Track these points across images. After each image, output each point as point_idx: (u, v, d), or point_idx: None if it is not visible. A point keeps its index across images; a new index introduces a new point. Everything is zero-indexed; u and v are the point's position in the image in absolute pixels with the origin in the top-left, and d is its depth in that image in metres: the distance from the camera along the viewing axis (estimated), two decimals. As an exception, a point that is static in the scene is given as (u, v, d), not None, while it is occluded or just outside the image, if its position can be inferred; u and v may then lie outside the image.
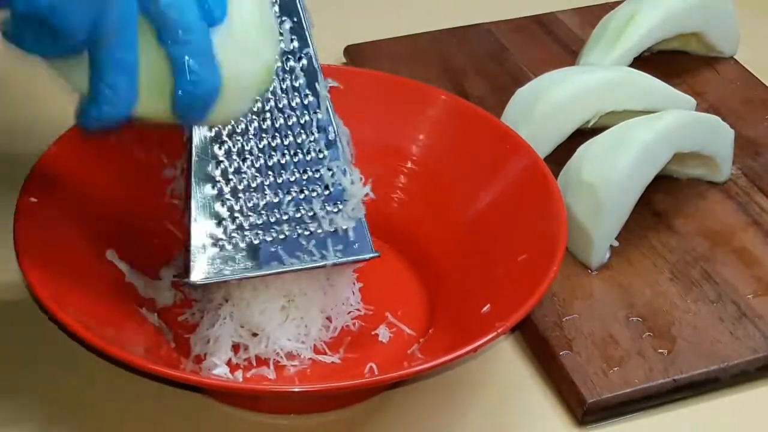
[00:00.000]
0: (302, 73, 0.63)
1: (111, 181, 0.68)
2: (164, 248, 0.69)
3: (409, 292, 0.69)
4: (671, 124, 0.74)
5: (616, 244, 0.73)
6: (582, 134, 0.77)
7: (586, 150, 0.73)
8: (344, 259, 0.63)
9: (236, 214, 0.61)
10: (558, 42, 0.95)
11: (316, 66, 0.63)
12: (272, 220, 0.62)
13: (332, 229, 0.63)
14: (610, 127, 0.75)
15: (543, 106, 0.77)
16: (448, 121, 0.74)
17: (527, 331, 0.68)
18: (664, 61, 0.91)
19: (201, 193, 0.61)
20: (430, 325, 0.67)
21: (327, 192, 0.63)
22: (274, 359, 0.64)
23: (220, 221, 0.61)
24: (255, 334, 0.64)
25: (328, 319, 0.66)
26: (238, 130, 0.61)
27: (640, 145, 0.72)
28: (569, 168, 0.73)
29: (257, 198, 0.62)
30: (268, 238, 0.62)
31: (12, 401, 0.63)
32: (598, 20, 0.89)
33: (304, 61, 0.63)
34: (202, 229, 0.60)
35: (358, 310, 0.67)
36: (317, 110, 0.63)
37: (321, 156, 0.63)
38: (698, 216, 0.77)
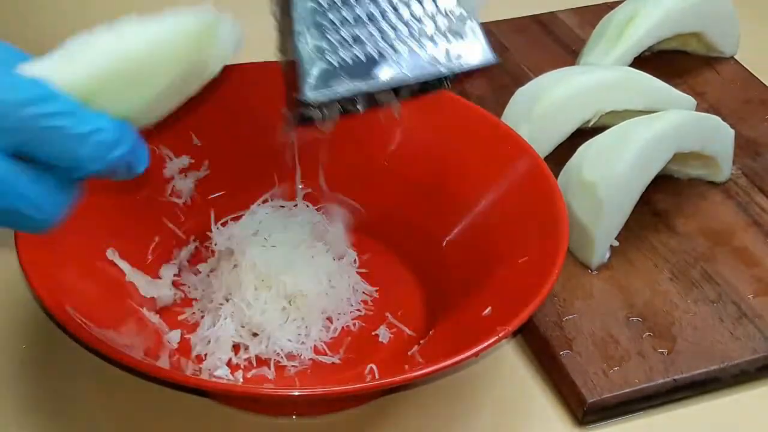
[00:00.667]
0: None
1: (111, 180, 0.68)
2: (165, 247, 0.69)
3: (409, 293, 0.69)
4: (671, 124, 0.74)
5: (616, 243, 0.73)
6: (582, 134, 0.77)
7: (586, 150, 0.73)
8: (465, 65, 0.58)
9: (342, 24, 0.56)
10: (558, 42, 0.95)
11: None
12: (380, 28, 0.57)
13: (450, 37, 0.58)
14: (610, 127, 0.75)
15: (543, 106, 0.77)
16: (448, 120, 0.74)
17: (528, 331, 0.68)
18: (664, 61, 0.91)
19: (301, 5, 0.55)
20: (430, 326, 0.67)
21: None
22: (275, 359, 0.64)
23: (324, 32, 0.55)
24: (255, 334, 0.64)
25: (329, 319, 0.66)
26: None
27: (640, 145, 0.72)
28: (569, 168, 0.73)
29: (366, 5, 0.57)
30: (379, 50, 0.56)
31: (12, 401, 0.63)
32: (598, 20, 0.89)
33: None
34: (307, 42, 0.55)
35: (358, 310, 0.67)
36: None
37: None
38: (698, 216, 0.77)
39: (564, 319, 0.68)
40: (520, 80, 0.85)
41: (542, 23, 0.97)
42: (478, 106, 0.76)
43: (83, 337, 0.56)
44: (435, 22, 0.58)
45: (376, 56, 0.56)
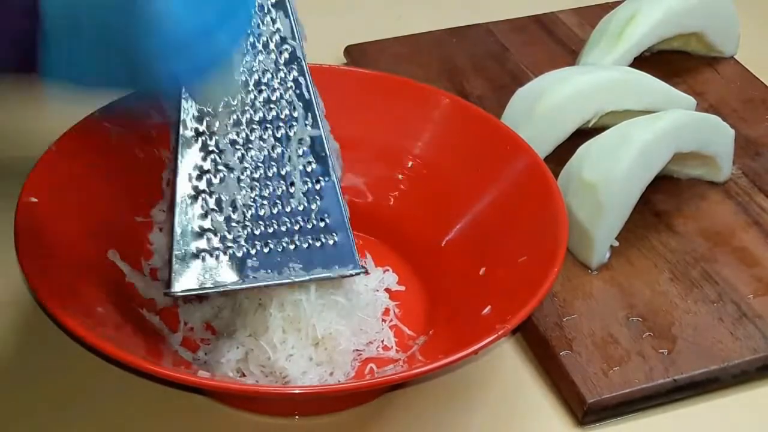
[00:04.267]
0: (292, 84, 0.62)
1: (111, 181, 0.68)
2: (164, 248, 0.69)
3: (409, 293, 0.69)
4: (671, 124, 0.74)
5: (616, 244, 0.73)
6: (582, 134, 0.77)
7: (586, 150, 0.73)
8: (328, 274, 0.62)
9: (221, 226, 0.60)
10: (558, 42, 0.95)
11: (307, 77, 0.62)
12: (257, 233, 0.61)
13: (318, 244, 0.62)
14: (610, 127, 0.75)
15: (543, 106, 0.77)
16: (449, 121, 0.74)
17: (527, 331, 0.68)
18: (664, 61, 0.91)
19: (185, 204, 0.60)
20: (430, 326, 0.67)
21: (313, 206, 0.62)
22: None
23: (203, 233, 0.60)
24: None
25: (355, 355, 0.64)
26: (224, 142, 0.60)
27: (640, 145, 0.72)
28: (569, 168, 0.73)
29: (241, 211, 0.61)
30: (252, 252, 0.61)
31: (12, 401, 0.63)
32: (598, 20, 0.89)
33: (295, 72, 0.62)
34: (184, 241, 0.59)
35: (385, 344, 0.66)
36: (306, 122, 0.62)
37: (309, 170, 0.62)
38: (698, 216, 0.77)
39: (564, 319, 0.68)
40: (520, 80, 0.85)
41: (542, 23, 0.97)
42: (478, 106, 0.76)
43: (83, 337, 0.56)
44: (308, 232, 0.62)
45: (249, 256, 0.60)
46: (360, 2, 1.01)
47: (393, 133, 0.74)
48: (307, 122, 0.62)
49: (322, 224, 0.62)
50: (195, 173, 0.60)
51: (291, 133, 0.62)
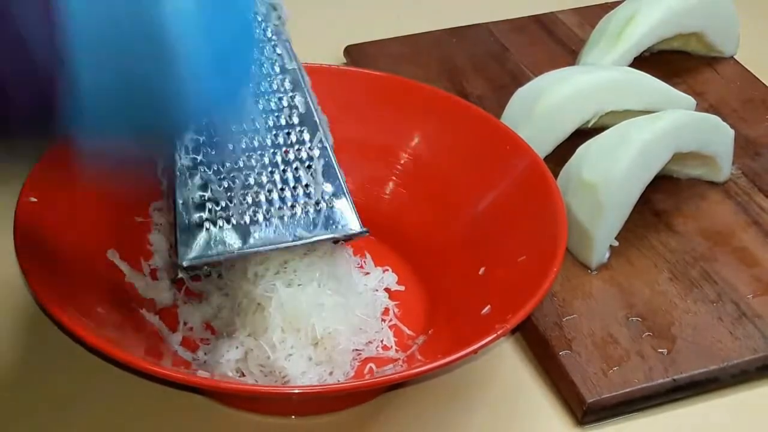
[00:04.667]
0: (276, 58, 0.63)
1: (111, 180, 0.68)
2: (164, 248, 0.69)
3: (409, 292, 0.69)
4: (671, 124, 0.74)
5: (616, 244, 0.73)
6: (582, 134, 0.77)
7: (586, 150, 0.73)
8: (332, 235, 0.63)
9: (221, 195, 0.61)
10: (558, 42, 0.95)
11: (289, 49, 0.63)
12: (258, 200, 0.62)
13: (318, 208, 0.63)
14: (610, 127, 0.75)
15: (543, 106, 0.77)
16: (448, 121, 0.74)
17: (527, 330, 0.68)
18: (664, 61, 0.91)
19: (184, 177, 0.60)
20: (430, 326, 0.67)
21: (309, 173, 0.63)
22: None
23: (204, 203, 0.60)
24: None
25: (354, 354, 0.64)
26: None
27: (640, 145, 0.72)
28: (569, 168, 0.73)
29: (242, 178, 0.61)
30: (256, 218, 0.61)
31: (11, 401, 0.63)
32: (598, 20, 0.89)
33: (278, 48, 0.63)
34: (187, 212, 0.60)
35: (385, 343, 0.66)
36: (294, 93, 0.63)
37: (303, 138, 0.63)
38: (698, 216, 0.77)
39: (564, 319, 0.68)
40: (520, 80, 0.85)
41: (542, 23, 0.97)
42: (477, 106, 0.76)
43: (83, 337, 0.56)
44: (308, 193, 0.63)
45: (252, 223, 0.61)
46: (360, 2, 1.01)
47: (393, 133, 0.74)
48: (295, 93, 0.63)
49: (324, 189, 0.63)
50: (191, 145, 0.60)
51: (282, 105, 0.63)
